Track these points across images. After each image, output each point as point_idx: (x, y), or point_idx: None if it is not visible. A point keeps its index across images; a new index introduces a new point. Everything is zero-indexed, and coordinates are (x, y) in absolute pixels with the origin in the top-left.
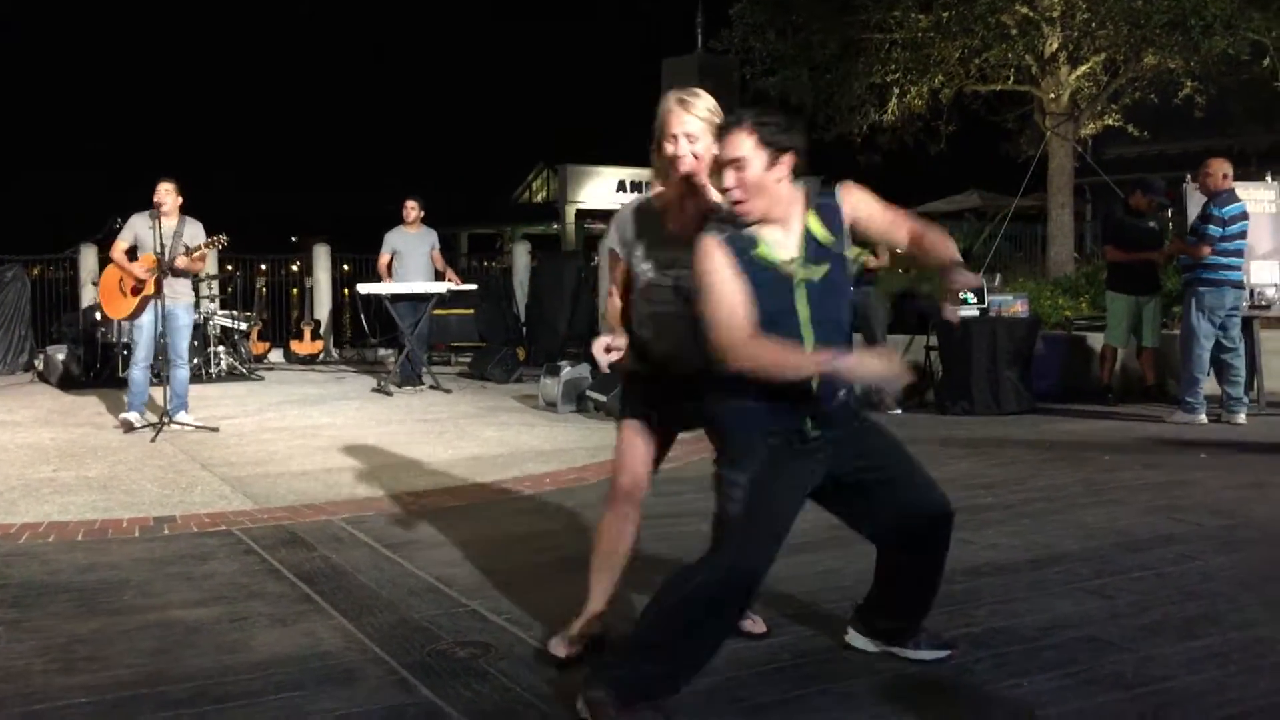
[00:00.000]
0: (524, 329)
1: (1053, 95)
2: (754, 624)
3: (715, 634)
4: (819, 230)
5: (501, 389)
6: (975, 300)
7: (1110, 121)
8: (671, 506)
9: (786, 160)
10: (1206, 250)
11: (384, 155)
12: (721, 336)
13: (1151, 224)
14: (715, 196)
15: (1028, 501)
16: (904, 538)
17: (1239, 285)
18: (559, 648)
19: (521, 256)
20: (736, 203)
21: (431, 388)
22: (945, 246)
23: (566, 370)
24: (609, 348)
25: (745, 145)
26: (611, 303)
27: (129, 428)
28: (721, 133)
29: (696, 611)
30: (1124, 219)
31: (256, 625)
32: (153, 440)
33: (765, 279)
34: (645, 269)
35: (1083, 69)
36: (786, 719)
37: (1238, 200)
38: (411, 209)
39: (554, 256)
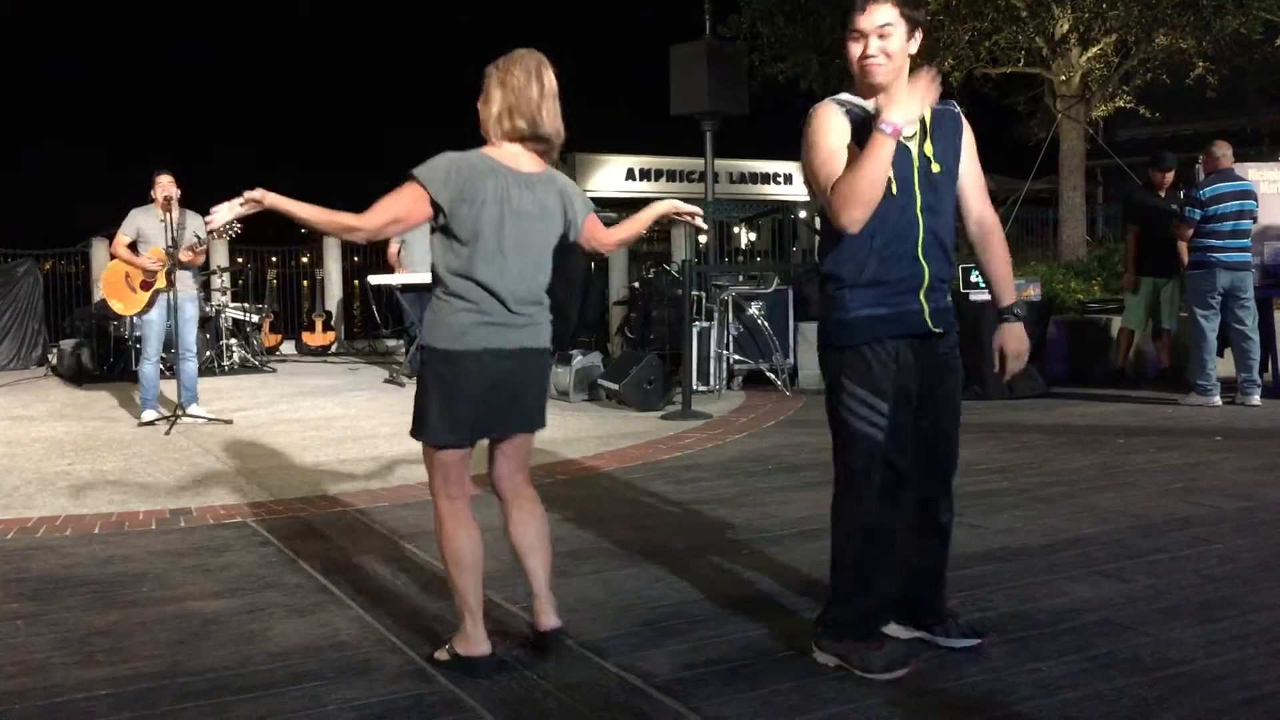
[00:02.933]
0: None
1: (1063, 77)
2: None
3: (886, 551)
4: (930, 127)
5: None
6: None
7: (1122, 103)
8: (693, 493)
9: (918, 36)
10: (1186, 232)
11: (393, 145)
12: (821, 185)
13: (1173, 205)
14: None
15: (1042, 486)
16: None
17: (1234, 266)
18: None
19: None
20: (873, 70)
21: None
22: (1004, 270)
23: (578, 359)
24: None
25: (891, 13)
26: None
27: (151, 424)
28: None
29: (857, 541)
30: (1145, 199)
31: (274, 616)
32: (167, 433)
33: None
34: None
35: (1094, 50)
36: (802, 705)
37: (1230, 180)
38: None
39: (564, 246)
